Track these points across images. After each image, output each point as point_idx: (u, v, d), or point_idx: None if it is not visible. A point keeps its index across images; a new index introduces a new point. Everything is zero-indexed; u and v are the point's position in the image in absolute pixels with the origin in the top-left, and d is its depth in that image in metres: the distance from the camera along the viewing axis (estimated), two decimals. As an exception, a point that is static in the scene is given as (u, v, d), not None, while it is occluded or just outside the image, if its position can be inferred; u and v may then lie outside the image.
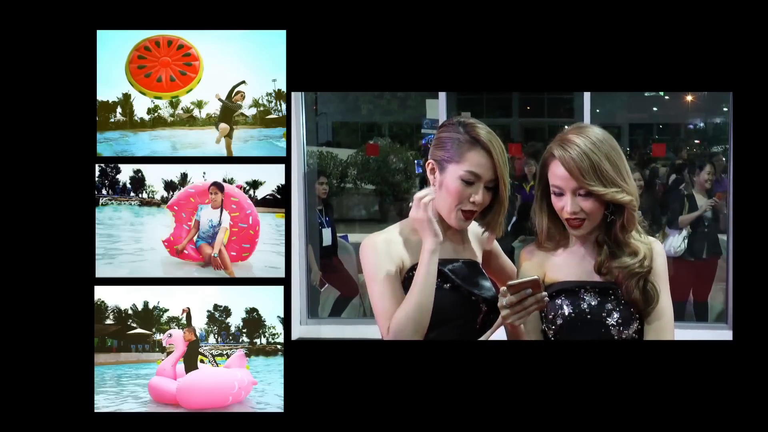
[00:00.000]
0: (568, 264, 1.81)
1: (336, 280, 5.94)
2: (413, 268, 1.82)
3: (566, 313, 1.76)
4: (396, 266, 1.82)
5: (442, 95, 5.72)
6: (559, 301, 1.77)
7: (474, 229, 1.95)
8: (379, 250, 1.82)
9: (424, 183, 1.96)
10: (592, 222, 1.74)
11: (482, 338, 1.87)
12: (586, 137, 1.72)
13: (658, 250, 1.80)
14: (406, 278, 1.82)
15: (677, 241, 5.39)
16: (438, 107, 5.74)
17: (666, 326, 1.77)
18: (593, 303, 1.76)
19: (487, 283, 1.88)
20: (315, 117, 6.74)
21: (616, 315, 1.74)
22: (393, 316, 1.75)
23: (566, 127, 1.80)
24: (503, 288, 1.63)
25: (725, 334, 4.97)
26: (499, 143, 1.80)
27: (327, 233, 5.77)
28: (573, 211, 1.72)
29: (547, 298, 1.65)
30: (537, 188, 1.82)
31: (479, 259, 1.94)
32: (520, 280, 1.63)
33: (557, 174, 1.73)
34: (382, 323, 1.79)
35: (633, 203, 1.73)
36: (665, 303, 1.77)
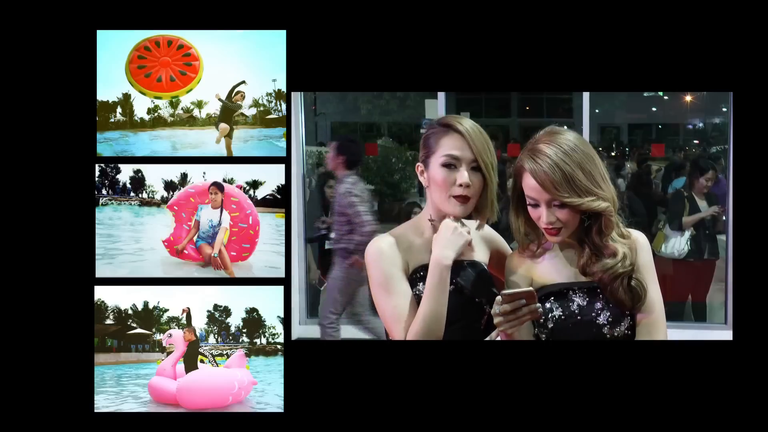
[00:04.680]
0: (555, 267, 1.81)
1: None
2: (416, 271, 1.82)
3: (557, 316, 1.75)
4: (402, 270, 1.82)
5: (441, 95, 5.73)
6: (548, 305, 1.76)
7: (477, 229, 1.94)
8: (386, 256, 1.81)
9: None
10: (569, 229, 1.74)
11: (488, 339, 1.87)
12: (557, 146, 1.69)
13: (641, 243, 1.78)
14: (410, 280, 1.83)
15: (681, 243, 5.38)
16: (437, 107, 5.74)
17: (657, 320, 1.75)
18: (582, 303, 1.75)
19: (491, 284, 1.87)
20: (314, 117, 6.74)
21: (606, 314, 1.74)
22: (410, 327, 1.76)
23: (539, 132, 1.77)
24: (498, 297, 1.63)
25: (725, 335, 4.98)
26: (475, 127, 1.80)
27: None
28: (549, 221, 1.71)
29: (540, 310, 1.64)
30: (512, 195, 1.80)
31: (484, 259, 1.93)
32: (515, 290, 1.62)
33: (530, 186, 1.71)
34: (394, 328, 1.78)
35: (609, 209, 1.70)
36: (654, 297, 1.75)
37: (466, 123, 1.80)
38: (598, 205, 1.69)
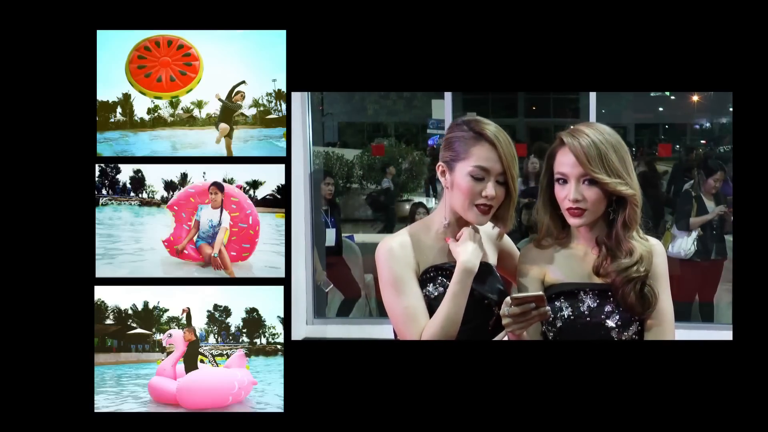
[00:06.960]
0: (568, 264, 1.81)
1: (339, 282, 5.93)
2: (426, 271, 1.82)
3: (566, 315, 1.75)
4: (413, 270, 1.81)
5: (448, 95, 5.71)
6: (558, 303, 1.77)
7: (487, 230, 1.93)
8: (396, 255, 1.80)
9: (431, 184, 1.95)
10: (592, 213, 1.74)
11: (495, 339, 1.86)
12: (596, 129, 1.76)
13: (658, 251, 1.80)
14: (420, 280, 1.82)
15: (687, 244, 5.36)
16: (444, 107, 5.72)
17: (666, 332, 1.76)
18: (592, 305, 1.75)
19: (500, 286, 1.87)
20: (321, 117, 6.75)
21: (615, 317, 1.74)
22: (425, 329, 1.76)
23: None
24: (507, 298, 1.62)
25: (729, 335, 4.94)
26: (505, 137, 1.79)
27: (331, 234, 5.78)
28: (575, 198, 1.73)
29: (549, 312, 1.65)
30: (542, 181, 1.82)
31: (493, 261, 1.93)
32: (525, 294, 1.63)
33: (564, 161, 1.75)
34: (407, 329, 1.78)
35: (636, 197, 1.73)
36: (665, 306, 1.76)
37: (495, 130, 1.79)
38: (626, 189, 1.72)
